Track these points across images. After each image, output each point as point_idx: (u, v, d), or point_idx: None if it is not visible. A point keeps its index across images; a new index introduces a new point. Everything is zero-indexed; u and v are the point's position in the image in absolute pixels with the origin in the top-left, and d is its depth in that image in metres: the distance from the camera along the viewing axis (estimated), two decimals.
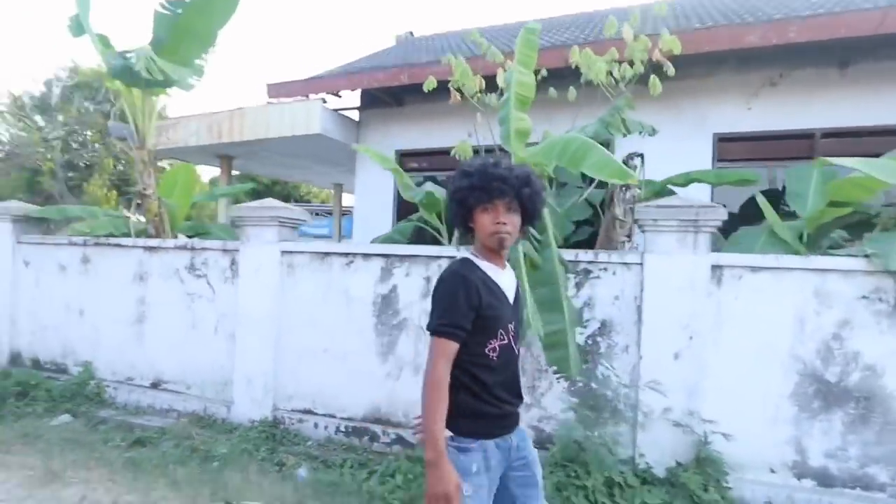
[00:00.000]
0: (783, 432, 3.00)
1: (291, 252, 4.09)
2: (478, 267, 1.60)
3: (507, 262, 1.72)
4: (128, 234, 5.04)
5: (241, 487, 3.09)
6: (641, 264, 3.21)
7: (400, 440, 3.69)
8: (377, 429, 3.77)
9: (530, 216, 1.64)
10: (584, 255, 3.37)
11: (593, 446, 2.97)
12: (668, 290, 3.14)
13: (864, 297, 2.90)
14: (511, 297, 1.66)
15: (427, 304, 3.53)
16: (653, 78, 4.03)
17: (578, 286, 3.38)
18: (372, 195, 7.72)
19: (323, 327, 3.98)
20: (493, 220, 1.56)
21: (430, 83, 4.42)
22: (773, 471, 3.01)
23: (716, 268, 3.11)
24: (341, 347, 3.92)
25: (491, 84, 4.18)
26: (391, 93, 7.35)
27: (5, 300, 5.14)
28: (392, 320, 3.80)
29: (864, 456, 2.89)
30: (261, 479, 3.22)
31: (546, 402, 3.41)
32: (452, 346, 1.50)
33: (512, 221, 1.57)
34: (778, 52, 5.61)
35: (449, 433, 1.52)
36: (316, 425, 3.94)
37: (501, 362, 1.59)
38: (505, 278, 1.66)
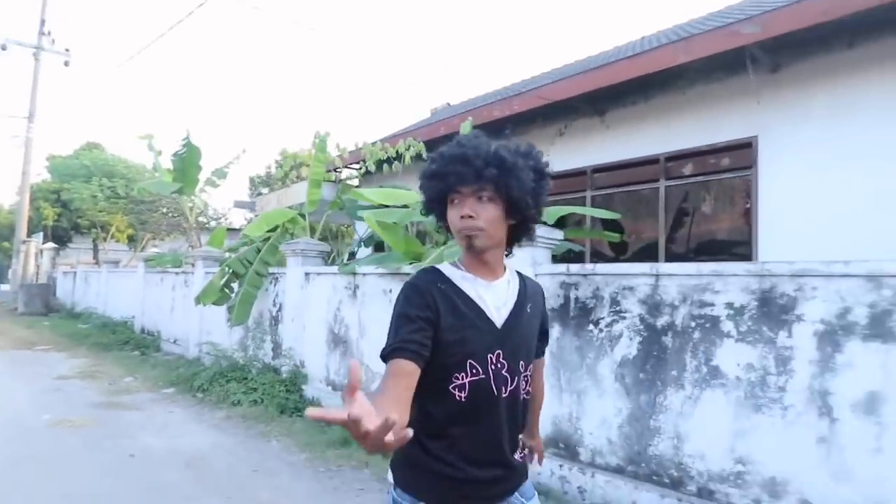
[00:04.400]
0: (323, 360, 5.62)
1: (207, 272, 8.09)
2: (444, 276, 1.23)
3: (505, 270, 1.29)
4: (179, 266, 9.78)
5: (141, 369, 7.16)
6: (285, 273, 6.21)
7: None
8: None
9: (514, 204, 1.19)
10: (274, 269, 6.48)
11: (250, 362, 6.11)
12: (290, 287, 6.08)
13: (345, 287, 5.41)
14: (500, 317, 1.23)
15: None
16: (404, 160, 6.86)
17: (274, 285, 6.50)
18: None
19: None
20: (458, 215, 1.19)
21: (284, 163, 7.96)
22: (321, 382, 5.64)
23: (307, 274, 5.93)
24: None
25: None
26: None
27: (140, 300, 10.40)
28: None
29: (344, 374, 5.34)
30: (154, 370, 7.19)
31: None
32: (400, 364, 1.09)
33: (484, 214, 1.18)
34: (561, 109, 7.45)
35: (391, 480, 1.25)
36: (207, 355, 7.76)
37: (472, 406, 1.17)
38: (493, 293, 1.24)
